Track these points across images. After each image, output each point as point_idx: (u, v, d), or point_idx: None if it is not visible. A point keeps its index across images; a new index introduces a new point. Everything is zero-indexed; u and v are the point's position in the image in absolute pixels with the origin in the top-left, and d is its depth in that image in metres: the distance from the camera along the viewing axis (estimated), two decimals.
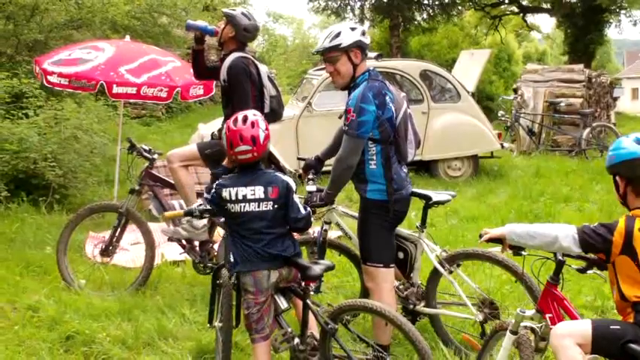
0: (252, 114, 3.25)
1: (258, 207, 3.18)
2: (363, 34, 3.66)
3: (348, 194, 7.47)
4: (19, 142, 7.32)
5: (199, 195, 4.92)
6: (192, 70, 5.23)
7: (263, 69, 4.76)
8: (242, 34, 4.70)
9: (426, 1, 24.26)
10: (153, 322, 4.32)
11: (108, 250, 5.13)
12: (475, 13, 27.53)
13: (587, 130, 11.74)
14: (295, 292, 3.36)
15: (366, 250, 3.75)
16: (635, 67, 44.98)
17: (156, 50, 7.47)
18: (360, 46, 3.62)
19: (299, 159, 4.74)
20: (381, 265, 3.69)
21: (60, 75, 6.40)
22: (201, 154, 4.83)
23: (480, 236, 3.11)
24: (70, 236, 5.19)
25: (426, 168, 9.65)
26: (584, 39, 23.85)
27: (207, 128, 8.38)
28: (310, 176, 4.10)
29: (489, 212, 7.50)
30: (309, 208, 3.35)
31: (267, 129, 3.23)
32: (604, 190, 8.41)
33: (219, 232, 5.00)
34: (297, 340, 3.29)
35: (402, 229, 3.99)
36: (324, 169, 4.19)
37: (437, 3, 24.10)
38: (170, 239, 5.06)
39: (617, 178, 2.87)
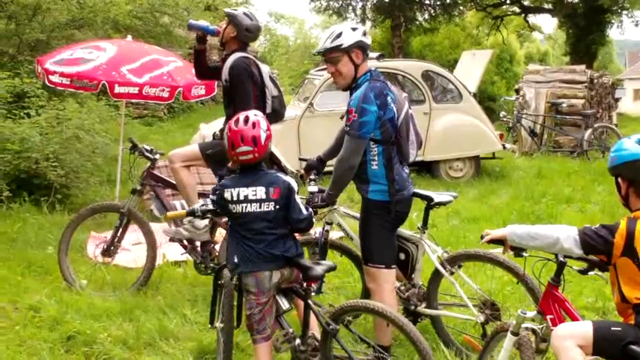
0: (254, 114, 3.24)
1: (260, 207, 3.18)
2: (365, 34, 3.65)
3: (350, 195, 7.45)
4: (21, 142, 7.30)
5: (201, 195, 4.93)
6: (193, 70, 5.23)
7: (265, 69, 4.76)
8: (244, 34, 4.70)
9: (427, 2, 24.29)
10: (154, 323, 4.31)
11: (109, 251, 5.12)
12: (477, 13, 27.51)
13: (589, 131, 11.72)
14: (297, 292, 3.36)
15: (368, 250, 3.74)
16: (637, 67, 44.83)
17: (158, 50, 7.48)
18: (361, 47, 3.61)
19: (301, 159, 4.72)
20: (383, 266, 3.69)
21: (62, 75, 6.41)
22: (202, 155, 4.82)
23: (482, 237, 3.12)
24: (72, 236, 5.18)
25: (428, 169, 9.64)
26: (585, 39, 23.85)
27: (209, 128, 8.39)
28: (312, 177, 4.10)
29: (491, 213, 7.49)
30: (310, 209, 3.35)
31: (268, 129, 3.22)
32: (606, 191, 8.39)
33: (221, 233, 5.00)
34: (298, 341, 3.29)
35: (404, 230, 3.99)
36: (326, 169, 4.17)
37: (438, 3, 24.13)
38: (172, 239, 5.05)
39: (619, 179, 2.87)
